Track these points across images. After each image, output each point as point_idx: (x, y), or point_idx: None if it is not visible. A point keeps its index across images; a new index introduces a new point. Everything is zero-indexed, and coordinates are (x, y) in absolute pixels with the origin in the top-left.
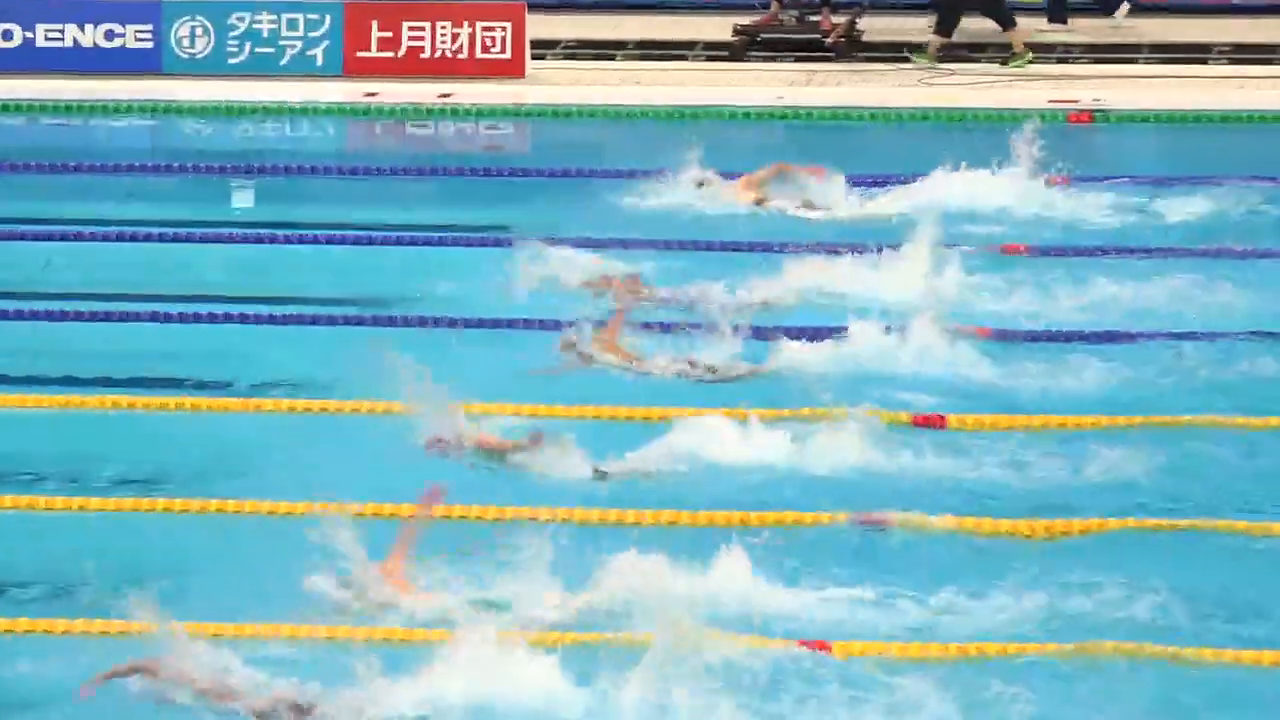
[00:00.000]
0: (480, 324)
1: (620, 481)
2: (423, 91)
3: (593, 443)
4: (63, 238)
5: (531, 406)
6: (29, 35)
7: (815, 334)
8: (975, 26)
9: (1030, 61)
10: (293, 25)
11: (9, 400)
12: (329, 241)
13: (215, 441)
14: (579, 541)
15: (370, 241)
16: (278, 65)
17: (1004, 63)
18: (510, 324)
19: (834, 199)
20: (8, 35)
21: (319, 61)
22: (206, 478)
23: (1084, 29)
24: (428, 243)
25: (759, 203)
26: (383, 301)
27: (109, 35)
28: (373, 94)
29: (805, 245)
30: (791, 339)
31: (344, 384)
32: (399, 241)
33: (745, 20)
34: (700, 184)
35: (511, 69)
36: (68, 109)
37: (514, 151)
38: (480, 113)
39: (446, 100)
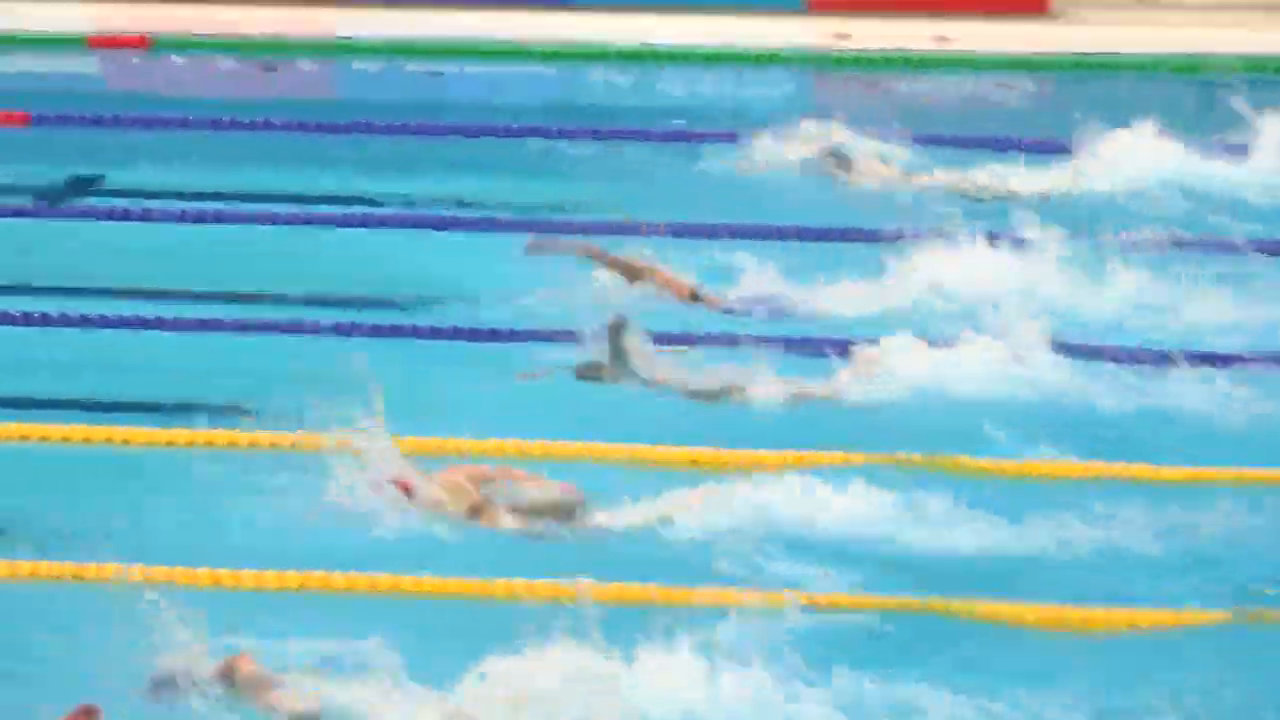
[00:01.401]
0: None
1: None
2: (911, 32)
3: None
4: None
5: None
6: None
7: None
8: None
9: None
10: None
11: None
12: None
13: None
14: None
15: None
16: None
17: None
18: None
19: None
20: None
21: None
22: None
23: None
24: None
25: None
26: None
27: None
28: (844, 35)
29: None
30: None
31: None
32: None
33: None
34: None
35: (1031, 3)
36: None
37: (1036, 113)
38: (991, 63)
39: (945, 46)
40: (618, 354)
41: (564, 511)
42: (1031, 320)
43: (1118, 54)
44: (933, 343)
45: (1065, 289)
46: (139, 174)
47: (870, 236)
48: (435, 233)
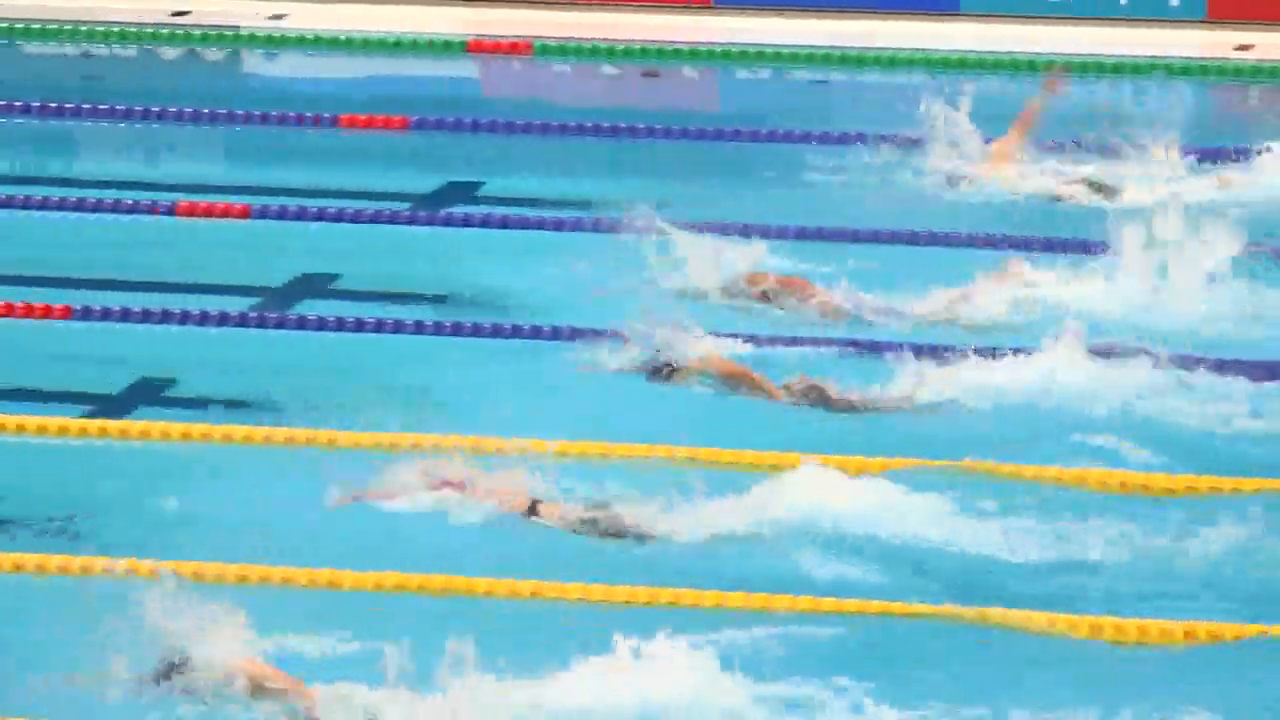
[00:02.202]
0: None
1: None
2: None
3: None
4: None
5: None
6: None
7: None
8: None
9: None
10: None
11: None
12: None
13: None
14: None
15: None
16: (1117, 6)
17: None
18: None
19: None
20: None
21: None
22: None
23: None
24: None
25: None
26: None
27: None
28: (1245, 46)
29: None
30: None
31: None
32: None
33: None
34: None
35: None
36: (824, 58)
37: None
38: None
39: None
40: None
41: None
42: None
43: None
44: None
45: None
46: (516, 180)
47: None
48: None
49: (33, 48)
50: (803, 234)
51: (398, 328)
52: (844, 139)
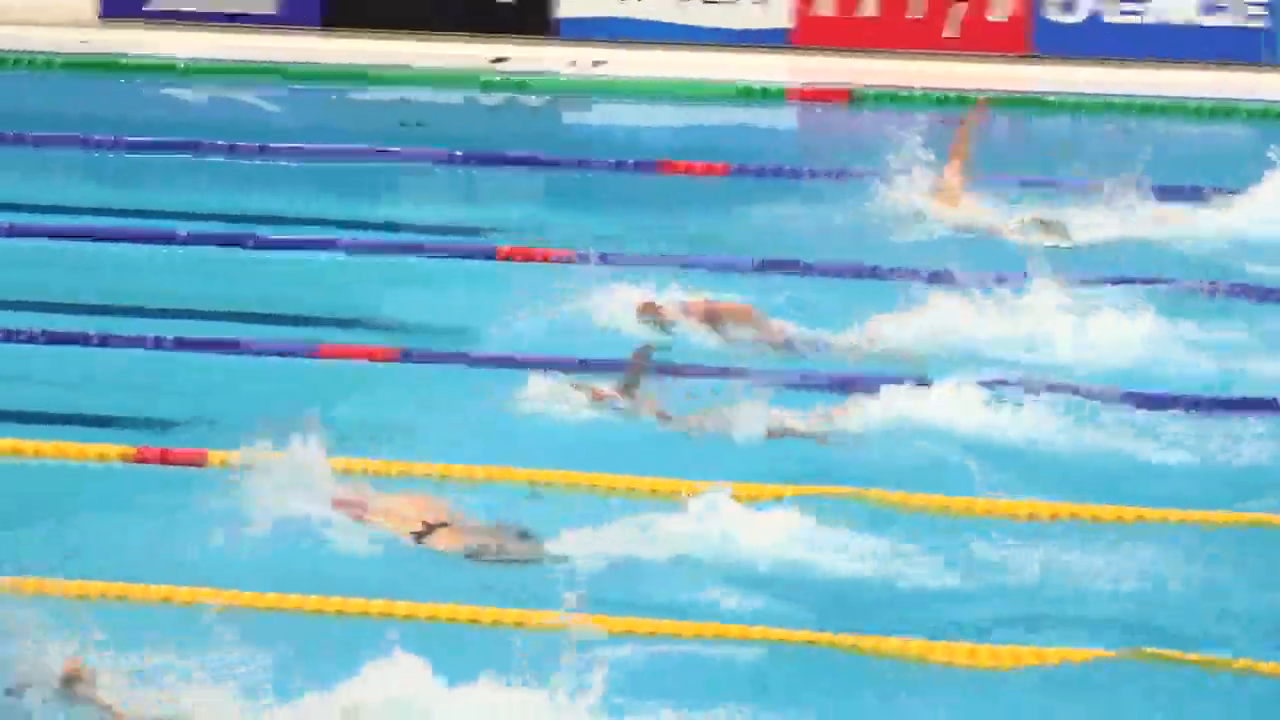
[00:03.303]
0: None
1: None
2: None
3: None
4: None
5: None
6: (1096, 9)
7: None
8: None
9: None
10: None
11: None
12: None
13: None
14: None
15: None
16: None
17: None
18: None
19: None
20: (1069, 8)
21: None
22: None
23: None
24: None
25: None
26: None
27: (1207, 9)
28: None
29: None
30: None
31: None
32: None
33: None
34: None
35: None
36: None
37: None
38: None
39: None
40: (632, 382)
41: None
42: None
43: None
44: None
45: None
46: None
47: None
48: None
49: (356, 94)
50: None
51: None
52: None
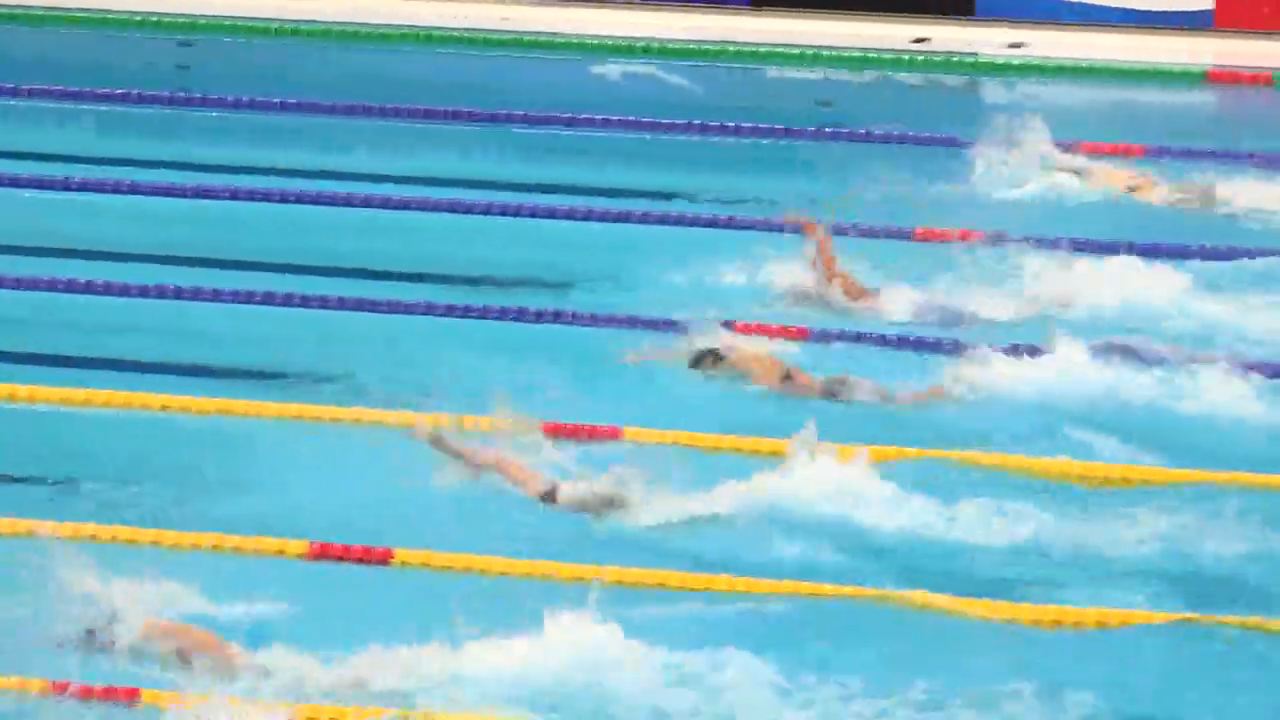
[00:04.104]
0: None
1: None
2: None
3: None
4: None
5: None
6: None
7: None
8: None
9: None
10: None
11: None
12: None
13: None
14: None
15: None
16: None
17: None
18: None
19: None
20: None
21: None
22: None
23: None
24: None
25: (1133, 189)
26: None
27: None
28: None
29: None
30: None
31: None
32: None
33: None
34: None
35: None
36: None
37: None
38: None
39: None
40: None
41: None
42: None
43: None
44: None
45: None
46: None
47: None
48: None
49: (773, 71)
50: None
51: None
52: None
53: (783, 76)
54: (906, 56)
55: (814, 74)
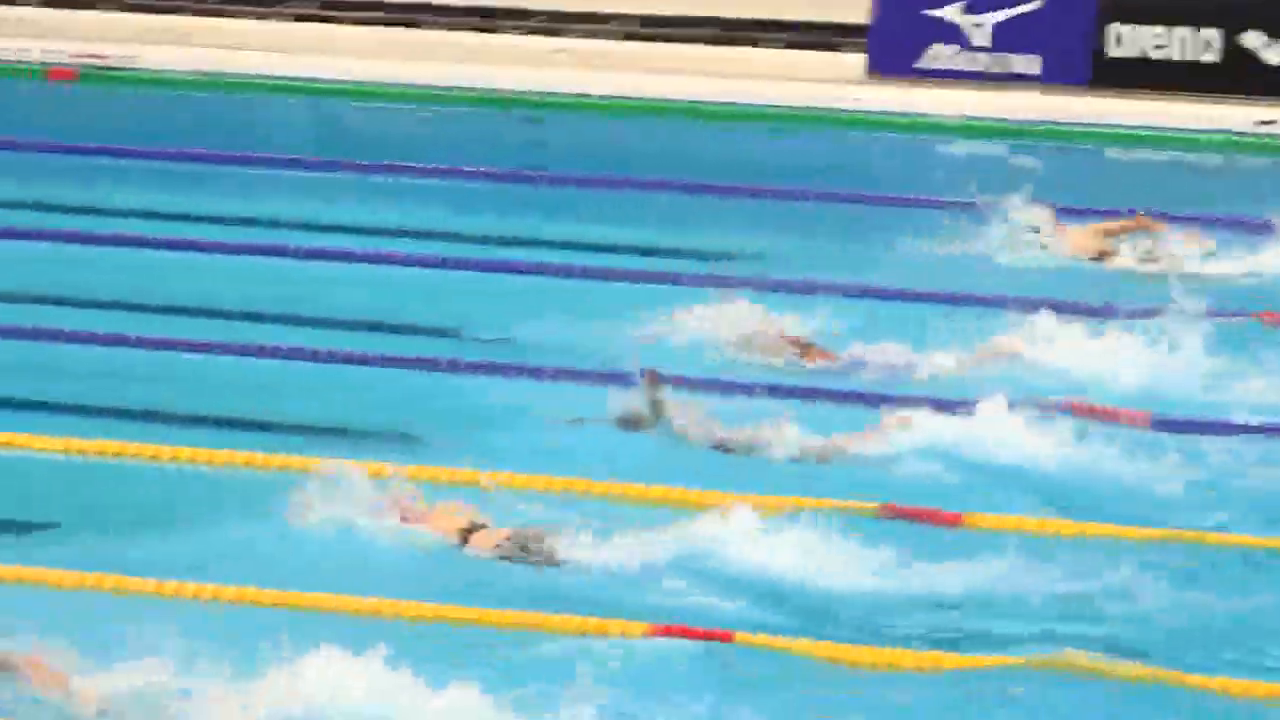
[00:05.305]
0: None
1: None
2: None
3: None
4: None
5: None
6: None
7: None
8: None
9: None
10: None
11: None
12: None
13: None
14: None
15: None
16: None
17: None
18: None
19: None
20: None
21: None
22: None
23: None
24: None
25: (1101, 256)
26: None
27: None
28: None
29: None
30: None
31: None
32: None
33: None
34: None
35: None
36: None
37: None
38: None
39: None
40: (654, 405)
41: None
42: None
43: None
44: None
45: None
46: None
47: None
48: None
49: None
50: None
51: None
52: None
53: (1122, 158)
54: (1251, 138)
55: (1158, 155)
